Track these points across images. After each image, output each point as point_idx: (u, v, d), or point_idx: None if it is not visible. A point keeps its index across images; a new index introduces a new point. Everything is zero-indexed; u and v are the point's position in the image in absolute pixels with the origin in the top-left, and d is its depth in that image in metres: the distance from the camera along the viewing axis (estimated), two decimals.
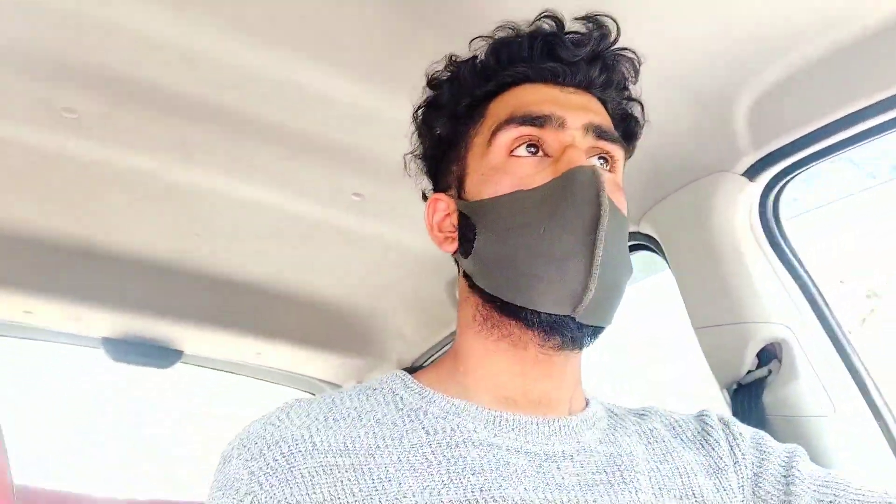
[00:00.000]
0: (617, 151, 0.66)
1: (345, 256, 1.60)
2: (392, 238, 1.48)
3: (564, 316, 0.58)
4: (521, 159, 0.63)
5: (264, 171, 1.27)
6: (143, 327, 1.90)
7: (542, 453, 0.60)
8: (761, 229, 0.97)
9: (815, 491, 0.63)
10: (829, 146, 0.88)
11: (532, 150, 0.63)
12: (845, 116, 0.83)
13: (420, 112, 0.74)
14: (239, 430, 0.60)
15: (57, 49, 0.97)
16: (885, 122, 0.83)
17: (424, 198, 0.78)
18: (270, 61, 0.97)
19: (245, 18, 0.89)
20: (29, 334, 1.97)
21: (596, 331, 0.61)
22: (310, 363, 2.09)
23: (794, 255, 0.96)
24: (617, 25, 0.68)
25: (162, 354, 2.00)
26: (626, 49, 0.69)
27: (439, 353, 1.86)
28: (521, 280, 0.59)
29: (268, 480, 0.54)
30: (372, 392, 0.65)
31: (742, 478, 0.65)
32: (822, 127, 0.86)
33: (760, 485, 0.65)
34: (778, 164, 0.93)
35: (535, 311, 0.58)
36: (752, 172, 0.95)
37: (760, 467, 0.66)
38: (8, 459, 1.20)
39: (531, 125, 0.63)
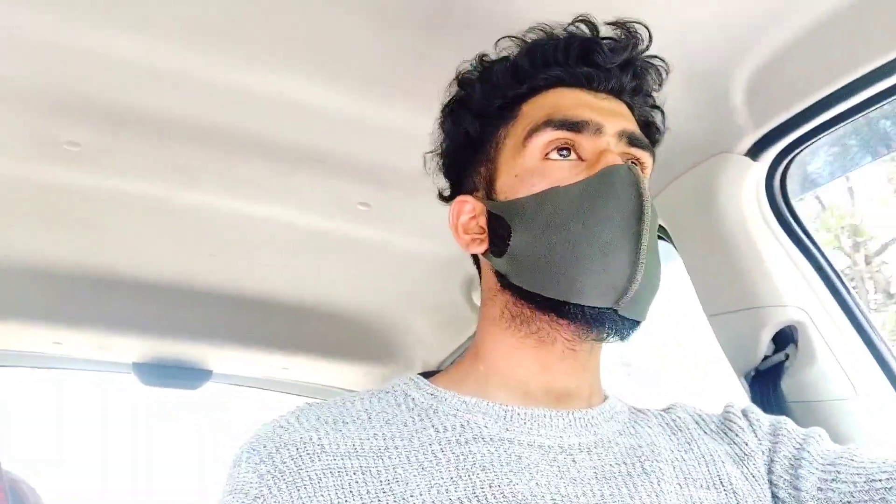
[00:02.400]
0: (647, 158, 0.66)
1: (358, 266, 1.60)
2: (402, 245, 1.48)
3: (607, 308, 0.58)
4: (556, 162, 0.63)
5: (269, 188, 1.28)
6: (171, 350, 1.93)
7: (557, 446, 0.59)
8: (769, 210, 0.94)
9: (821, 472, 0.61)
10: (830, 119, 0.84)
11: (565, 153, 0.63)
12: (843, 87, 0.80)
13: (448, 109, 0.74)
14: (249, 434, 0.61)
15: (55, 84, 0.98)
16: (884, 90, 0.79)
17: (441, 197, 0.78)
18: (266, 79, 0.97)
19: (238, 39, 0.90)
20: (59, 364, 2.01)
21: (634, 324, 0.61)
22: (336, 374, 2.10)
23: (807, 235, 0.93)
24: (649, 32, 0.68)
25: (191, 375, 2.03)
26: (655, 57, 0.70)
27: (463, 354, 1.85)
28: (563, 274, 0.58)
29: (276, 484, 0.54)
30: (384, 395, 0.65)
31: (761, 463, 0.64)
32: (821, 100, 0.83)
33: (773, 469, 0.64)
34: (780, 142, 0.90)
35: (579, 304, 0.58)
36: (754, 152, 0.92)
37: (773, 451, 0.65)
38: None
39: (568, 129, 0.63)
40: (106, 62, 0.93)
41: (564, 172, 0.62)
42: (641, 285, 0.57)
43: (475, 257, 0.72)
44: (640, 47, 0.69)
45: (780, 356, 0.88)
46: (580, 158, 0.63)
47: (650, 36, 0.69)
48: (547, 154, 0.63)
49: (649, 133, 0.73)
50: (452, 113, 0.73)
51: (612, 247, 0.57)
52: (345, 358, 1.97)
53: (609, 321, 0.59)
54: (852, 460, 0.61)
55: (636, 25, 0.68)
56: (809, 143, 0.90)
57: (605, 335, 0.59)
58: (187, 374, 2.03)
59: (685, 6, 0.80)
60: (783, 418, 0.69)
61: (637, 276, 0.57)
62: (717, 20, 0.82)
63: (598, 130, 0.63)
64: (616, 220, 0.58)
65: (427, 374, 0.70)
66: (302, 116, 1.07)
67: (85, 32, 0.88)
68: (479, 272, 0.72)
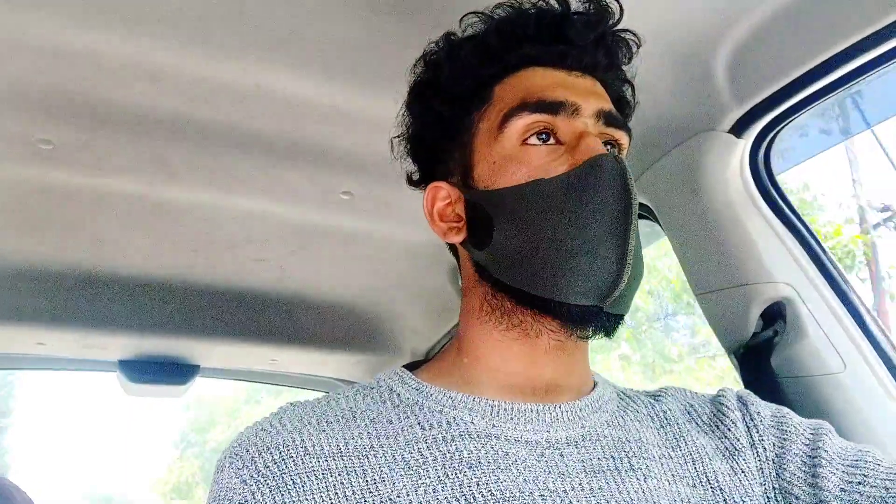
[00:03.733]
0: (623, 137, 0.64)
1: (343, 256, 1.59)
2: (386, 233, 1.47)
3: (592, 306, 0.57)
4: (535, 147, 0.61)
5: (250, 180, 1.26)
6: (158, 346, 1.91)
7: (544, 441, 0.58)
8: (754, 187, 0.94)
9: (843, 472, 0.60)
10: (813, 93, 0.84)
11: (544, 137, 0.61)
12: (825, 62, 0.79)
13: (416, 90, 0.71)
14: (233, 438, 0.59)
15: (25, 80, 0.95)
16: (866, 63, 0.79)
17: (410, 181, 0.75)
18: (244, 70, 0.95)
19: (215, 31, 0.87)
20: (44, 364, 1.98)
21: (619, 319, 0.60)
22: (325, 364, 2.09)
23: (793, 211, 0.93)
24: (620, 5, 0.66)
25: (179, 371, 2.01)
26: (627, 31, 0.68)
27: (452, 340, 1.85)
28: (548, 272, 0.57)
29: (259, 489, 0.53)
30: (369, 391, 0.64)
31: (762, 460, 0.63)
32: (803, 75, 0.82)
33: (785, 466, 0.62)
34: (763, 118, 0.90)
35: (564, 302, 0.57)
36: (738, 128, 0.92)
37: (783, 448, 0.63)
38: None
39: (545, 112, 0.61)
40: (79, 57, 0.91)
41: (544, 158, 0.60)
42: (628, 282, 0.57)
43: (452, 245, 0.70)
44: (612, 21, 0.66)
45: (769, 332, 0.89)
46: (558, 141, 0.61)
47: (621, 8, 0.66)
48: (525, 139, 0.61)
49: (621, 108, 0.71)
50: (420, 95, 0.70)
51: (599, 245, 0.56)
52: (333, 348, 1.96)
53: (595, 319, 0.58)
54: (878, 465, 0.60)
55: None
56: (792, 118, 0.90)
57: (589, 332, 0.59)
58: (175, 371, 2.00)
59: None
60: (784, 409, 0.67)
61: (624, 275, 0.56)
62: None
63: (576, 111, 0.61)
64: (603, 216, 0.56)
65: (413, 366, 0.69)
66: (281, 108, 1.05)
67: (57, 27, 0.85)
68: (458, 261, 0.71)
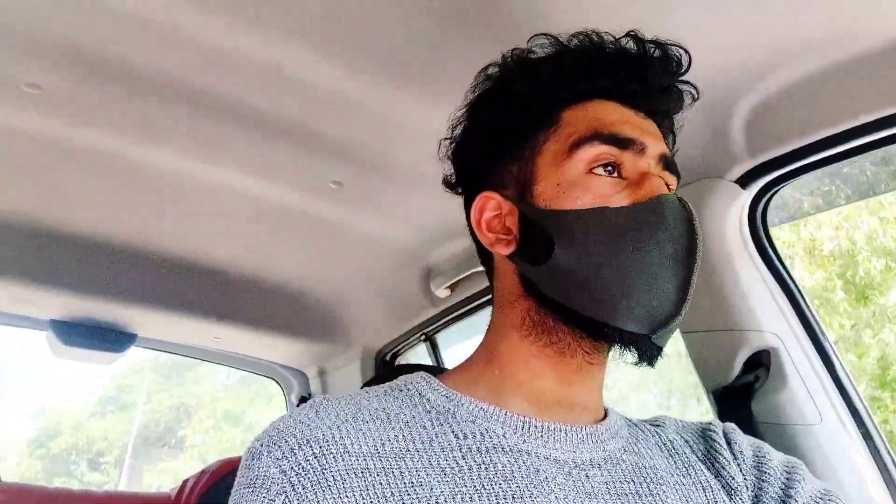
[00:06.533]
0: (674, 184, 0.66)
1: (315, 243, 1.55)
2: (367, 227, 1.45)
3: (643, 335, 0.58)
4: (600, 178, 0.62)
5: (237, 154, 1.21)
6: (95, 310, 1.81)
7: (571, 461, 0.60)
8: (750, 236, 0.98)
9: None
10: (823, 158, 0.89)
11: (609, 169, 0.62)
12: (843, 132, 0.84)
13: (484, 97, 0.71)
14: (267, 427, 0.58)
15: (21, 23, 0.89)
16: (879, 139, 0.84)
17: (447, 184, 0.75)
18: (249, 42, 0.92)
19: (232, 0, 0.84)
20: None
21: (661, 351, 0.61)
22: (271, 348, 2.04)
23: (781, 264, 0.98)
24: (689, 56, 0.68)
25: (114, 338, 1.92)
26: (689, 83, 0.70)
27: (406, 342, 1.84)
28: (608, 297, 0.58)
29: (300, 482, 0.52)
30: (398, 393, 0.63)
31: (743, 499, 0.65)
32: (818, 141, 0.87)
33: None
34: (771, 174, 0.94)
35: (617, 328, 0.58)
36: (744, 180, 0.96)
37: (760, 489, 0.66)
38: None
39: (614, 145, 0.62)
40: (81, 1, 0.85)
41: (608, 189, 0.61)
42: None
43: (487, 253, 0.70)
44: (681, 71, 0.68)
45: (750, 377, 0.93)
46: (621, 176, 0.62)
47: (690, 59, 0.68)
48: (592, 168, 0.62)
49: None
50: (488, 102, 0.70)
51: (661, 278, 0.58)
52: (283, 333, 1.91)
53: (643, 347, 0.59)
54: None
55: (677, 49, 0.67)
56: (795, 178, 0.95)
57: (638, 359, 0.60)
58: (110, 336, 1.91)
59: (704, 31, 0.81)
60: (764, 447, 0.70)
61: (683, 310, 0.58)
62: (731, 50, 0.84)
63: (642, 151, 0.63)
64: (668, 251, 0.58)
65: (432, 372, 0.68)
66: (286, 85, 1.02)
67: None
68: (492, 270, 0.71)
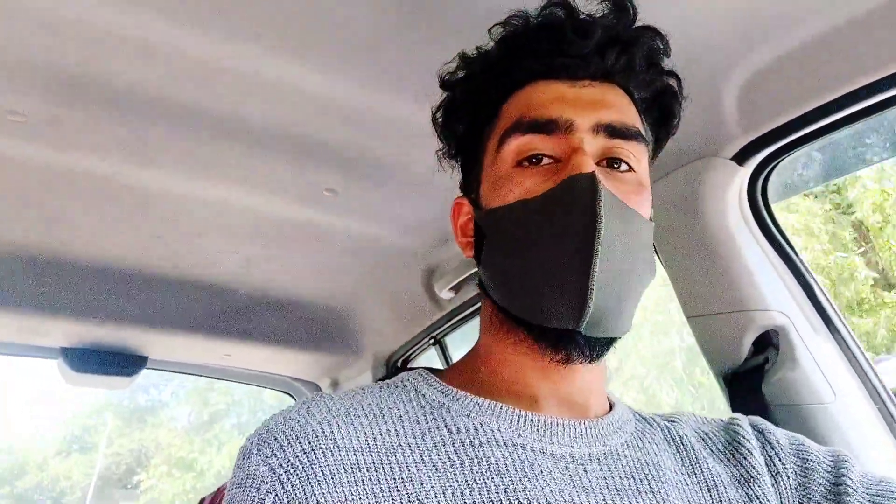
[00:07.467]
0: (635, 148, 0.60)
1: (317, 253, 1.54)
2: (365, 233, 1.43)
3: (570, 329, 0.55)
4: (527, 170, 0.59)
5: (229, 169, 1.20)
6: (105, 335, 1.82)
7: (568, 455, 0.58)
8: (751, 214, 0.95)
9: (868, 501, 0.61)
10: (819, 129, 0.86)
11: (535, 160, 0.59)
12: (835, 99, 0.81)
13: (439, 117, 0.70)
14: (258, 425, 0.57)
15: (1, 49, 0.89)
16: (873, 105, 0.81)
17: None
18: (233, 53, 0.91)
19: (204, 8, 0.83)
20: None
21: (608, 341, 0.59)
22: (283, 362, 2.04)
23: (786, 240, 0.95)
24: (632, 6, 0.63)
25: (126, 362, 1.93)
26: (643, 27, 0.63)
27: (416, 346, 1.83)
28: (523, 294, 0.57)
29: (289, 478, 0.51)
30: (394, 389, 0.62)
31: (785, 487, 0.63)
32: (813, 110, 0.84)
33: (809, 496, 0.62)
34: (767, 148, 0.91)
35: (541, 325, 0.57)
36: (740, 156, 0.93)
37: (805, 477, 0.63)
38: None
39: (537, 132, 0.59)
40: (57, 24, 0.85)
41: (535, 179, 0.58)
42: (602, 305, 0.54)
43: None
44: (624, 21, 0.62)
45: (760, 359, 0.90)
46: (556, 160, 0.59)
47: (633, 9, 0.62)
48: (519, 161, 0.60)
49: (663, 103, 0.67)
50: (444, 119, 0.70)
51: (563, 268, 0.54)
52: (293, 346, 1.91)
53: (573, 342, 0.56)
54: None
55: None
56: (793, 151, 0.92)
57: (572, 357, 0.57)
58: (121, 361, 1.92)
59: (690, 4, 0.79)
60: (800, 437, 0.67)
61: (589, 300, 0.53)
62: (718, 22, 0.81)
63: (569, 128, 0.58)
64: (567, 239, 0.54)
65: (432, 371, 0.67)
66: (274, 96, 1.01)
67: None
68: None
